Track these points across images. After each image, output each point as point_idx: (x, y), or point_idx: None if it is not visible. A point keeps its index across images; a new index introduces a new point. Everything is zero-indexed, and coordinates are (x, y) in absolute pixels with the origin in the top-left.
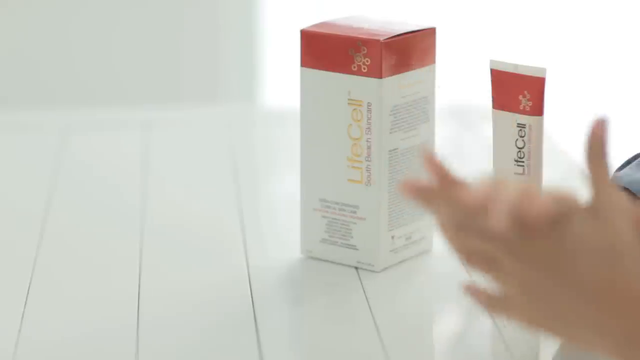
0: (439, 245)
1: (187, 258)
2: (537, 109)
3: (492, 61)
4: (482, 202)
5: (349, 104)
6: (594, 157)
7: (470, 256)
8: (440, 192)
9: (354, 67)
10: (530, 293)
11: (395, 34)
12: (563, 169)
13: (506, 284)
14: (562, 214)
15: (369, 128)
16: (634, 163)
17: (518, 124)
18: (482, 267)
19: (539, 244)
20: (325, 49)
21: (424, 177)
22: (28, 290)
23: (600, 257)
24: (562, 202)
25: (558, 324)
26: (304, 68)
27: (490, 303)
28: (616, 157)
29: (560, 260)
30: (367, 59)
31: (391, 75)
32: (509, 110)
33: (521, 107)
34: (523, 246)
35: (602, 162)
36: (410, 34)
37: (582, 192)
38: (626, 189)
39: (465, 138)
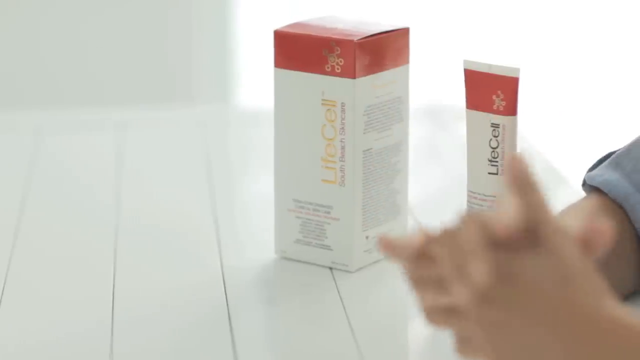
0: None
1: (161, 258)
2: (511, 109)
3: (465, 61)
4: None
5: (322, 104)
6: (523, 192)
7: (434, 314)
8: (412, 258)
9: (328, 67)
10: (498, 336)
11: (369, 34)
12: (538, 170)
13: (472, 332)
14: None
15: (342, 128)
16: (606, 162)
17: (492, 123)
18: (446, 322)
19: (500, 293)
20: (298, 50)
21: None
22: (2, 291)
23: (556, 290)
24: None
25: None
26: (278, 69)
27: (459, 348)
28: (590, 156)
29: (521, 302)
30: (340, 59)
31: (365, 75)
32: (483, 110)
33: (495, 107)
34: (489, 296)
35: (533, 195)
36: (383, 34)
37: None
38: (598, 190)
39: (439, 138)
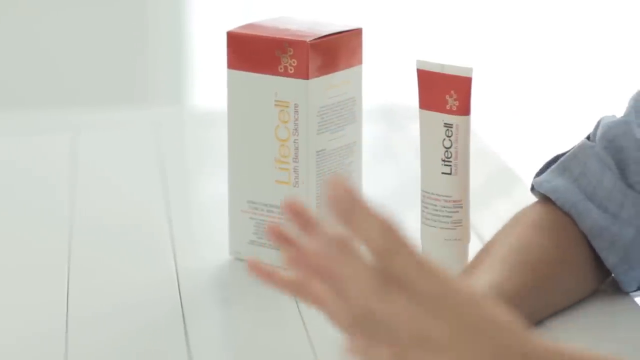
0: None
1: (116, 259)
2: (464, 109)
3: (418, 61)
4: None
5: (276, 105)
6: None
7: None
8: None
9: (281, 68)
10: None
11: (322, 35)
12: (492, 170)
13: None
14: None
15: (296, 129)
16: (553, 167)
17: (445, 123)
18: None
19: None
20: (251, 51)
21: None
22: None
23: (440, 307)
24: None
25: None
26: (231, 70)
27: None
28: (545, 155)
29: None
30: (293, 60)
31: (318, 76)
32: (436, 110)
33: (448, 107)
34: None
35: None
36: (336, 35)
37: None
38: (547, 198)
39: (393, 138)
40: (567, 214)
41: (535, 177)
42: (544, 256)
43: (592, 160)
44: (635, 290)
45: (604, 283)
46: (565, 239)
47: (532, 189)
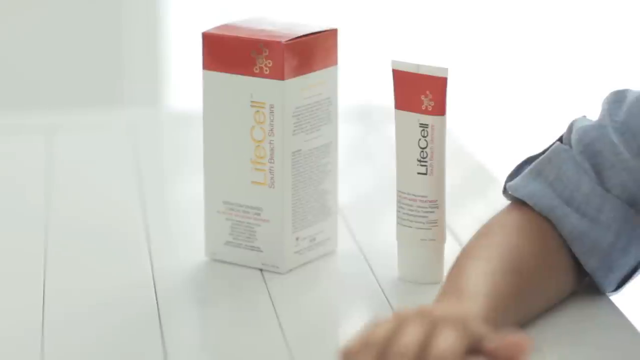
0: (343, 246)
1: (92, 260)
2: (440, 109)
3: (393, 61)
4: None
5: (251, 106)
6: None
7: None
8: None
9: (256, 69)
10: None
11: (297, 36)
12: (468, 170)
13: None
14: None
15: (271, 130)
16: (526, 171)
17: (420, 123)
18: None
19: None
20: (227, 52)
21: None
22: None
23: None
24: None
25: None
26: (206, 71)
27: None
28: (520, 155)
29: None
30: (269, 60)
31: (293, 76)
32: (411, 111)
33: (423, 107)
34: None
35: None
36: (312, 36)
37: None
38: (523, 202)
39: (369, 138)
40: (544, 219)
41: (507, 181)
42: (530, 262)
43: (567, 164)
44: (612, 292)
45: (582, 284)
46: (547, 244)
47: (505, 191)
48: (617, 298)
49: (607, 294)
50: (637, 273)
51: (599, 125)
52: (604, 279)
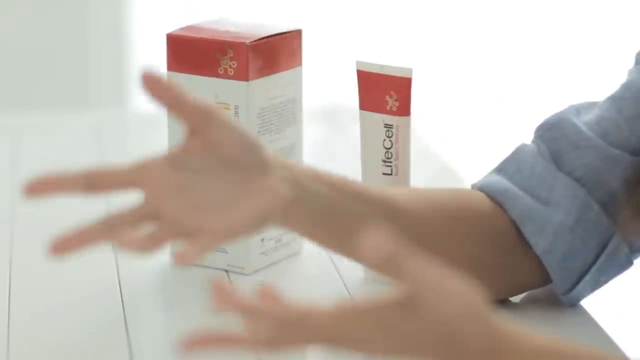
0: (308, 247)
1: (57, 263)
2: (404, 109)
3: (358, 62)
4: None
5: None
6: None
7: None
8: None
9: (221, 70)
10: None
11: (261, 37)
12: (433, 170)
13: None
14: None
15: None
16: (490, 170)
17: (385, 124)
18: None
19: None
20: (191, 53)
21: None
22: None
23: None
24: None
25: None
26: (171, 72)
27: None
28: (486, 156)
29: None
30: (233, 62)
31: (258, 77)
32: (376, 111)
33: (388, 108)
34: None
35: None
36: (276, 36)
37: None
38: (482, 191)
39: (334, 139)
40: (499, 205)
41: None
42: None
43: (526, 154)
44: (569, 291)
45: (549, 293)
46: (496, 227)
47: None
48: (591, 307)
49: (564, 297)
50: (597, 275)
51: (560, 112)
52: (556, 265)
